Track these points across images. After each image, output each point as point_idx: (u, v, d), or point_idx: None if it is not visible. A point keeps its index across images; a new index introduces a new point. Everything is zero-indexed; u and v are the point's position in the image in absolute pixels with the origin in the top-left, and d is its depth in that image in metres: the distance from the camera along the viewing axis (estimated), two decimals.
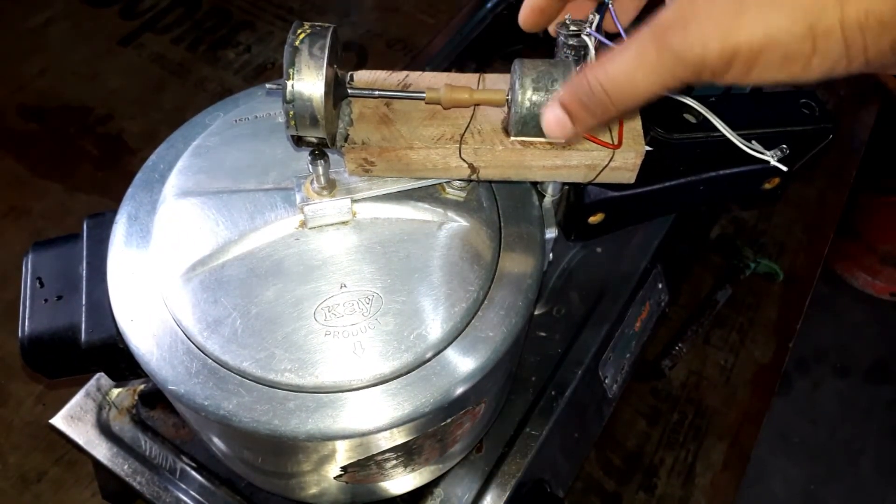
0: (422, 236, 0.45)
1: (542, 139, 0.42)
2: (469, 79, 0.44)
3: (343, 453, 0.43)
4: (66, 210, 0.96)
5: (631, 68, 0.33)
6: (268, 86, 0.41)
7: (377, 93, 0.42)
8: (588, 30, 0.41)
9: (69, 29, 1.17)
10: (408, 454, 0.46)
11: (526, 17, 0.43)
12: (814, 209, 0.96)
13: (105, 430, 0.61)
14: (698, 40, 0.31)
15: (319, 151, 0.42)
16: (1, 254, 0.91)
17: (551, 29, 0.45)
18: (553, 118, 0.37)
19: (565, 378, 0.62)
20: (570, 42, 0.41)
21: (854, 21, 0.29)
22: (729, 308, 0.87)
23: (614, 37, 0.44)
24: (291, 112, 0.38)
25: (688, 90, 0.43)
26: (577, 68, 0.40)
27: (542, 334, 0.65)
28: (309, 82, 0.37)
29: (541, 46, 0.47)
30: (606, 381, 0.70)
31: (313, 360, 0.40)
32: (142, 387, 0.63)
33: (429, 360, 0.41)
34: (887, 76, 1.02)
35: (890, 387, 1.08)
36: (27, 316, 0.46)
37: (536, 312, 0.65)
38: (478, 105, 0.43)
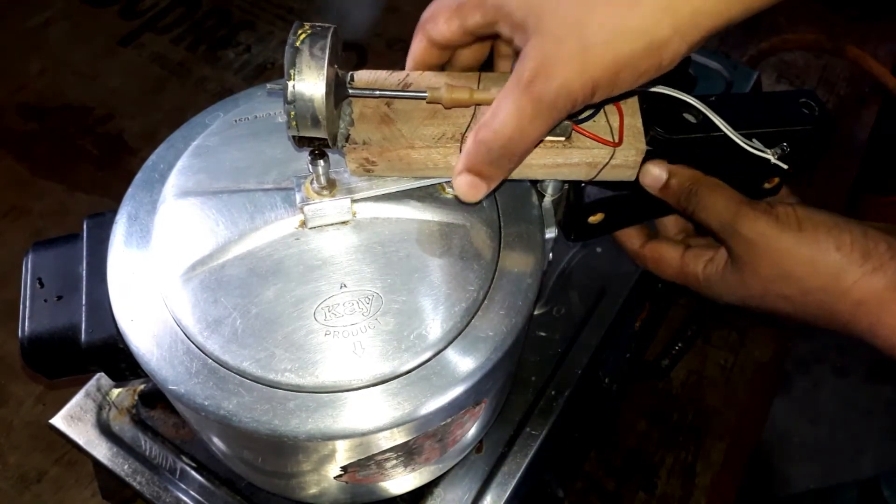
0: (422, 236, 0.45)
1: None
2: (469, 78, 0.44)
3: (343, 453, 0.43)
4: (66, 210, 0.96)
5: (516, 123, 0.37)
6: (269, 86, 0.41)
7: (378, 93, 0.42)
8: None
9: (69, 29, 1.17)
10: (408, 454, 0.46)
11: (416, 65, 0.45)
12: None
13: (105, 430, 0.61)
14: (562, 85, 0.35)
15: (319, 151, 0.42)
16: (1, 254, 0.91)
17: None
18: (466, 185, 0.41)
19: (565, 378, 0.62)
20: None
21: (686, 24, 0.34)
22: (729, 308, 0.87)
23: None
24: (292, 112, 0.38)
25: (688, 89, 0.43)
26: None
27: (542, 334, 0.65)
28: (310, 83, 0.37)
29: None
30: (606, 381, 0.70)
31: (313, 359, 0.40)
32: (142, 387, 0.63)
33: (429, 359, 0.41)
34: (886, 76, 1.02)
35: (890, 387, 1.08)
36: (27, 316, 0.46)
37: (536, 312, 0.65)
38: (478, 104, 0.43)
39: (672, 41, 0.34)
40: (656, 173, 0.44)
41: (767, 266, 0.41)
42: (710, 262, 0.46)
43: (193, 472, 0.59)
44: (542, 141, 0.40)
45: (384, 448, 0.43)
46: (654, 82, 0.43)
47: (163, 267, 0.43)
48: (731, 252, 0.43)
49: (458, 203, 0.46)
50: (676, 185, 0.44)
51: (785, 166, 0.43)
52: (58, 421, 0.61)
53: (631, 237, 0.51)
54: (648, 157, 0.43)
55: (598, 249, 0.70)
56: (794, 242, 0.40)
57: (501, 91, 0.37)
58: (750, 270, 0.42)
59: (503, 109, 0.37)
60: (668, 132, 0.44)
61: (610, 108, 0.43)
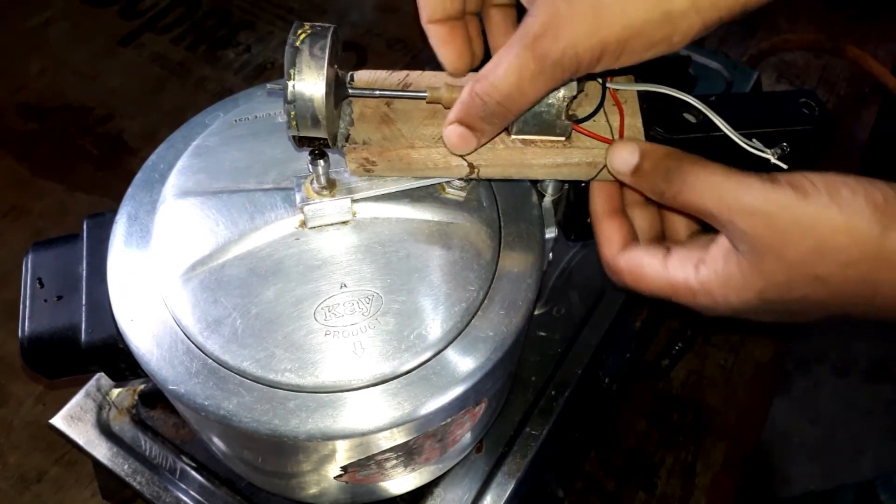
0: (422, 236, 0.45)
1: (542, 137, 0.42)
2: (469, 78, 0.44)
3: (343, 453, 0.43)
4: (66, 210, 0.96)
5: (516, 79, 0.35)
6: (269, 86, 0.41)
7: (378, 92, 0.42)
8: None
9: (69, 29, 1.17)
10: (408, 454, 0.46)
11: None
12: None
13: (105, 430, 0.61)
14: (570, 45, 0.33)
15: (319, 151, 0.42)
16: (1, 254, 0.91)
17: None
18: (455, 136, 0.39)
19: (565, 378, 0.62)
20: None
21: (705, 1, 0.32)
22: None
23: None
24: (293, 112, 0.38)
25: (688, 89, 0.43)
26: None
27: (542, 334, 0.65)
28: (310, 83, 0.37)
29: None
30: (606, 381, 0.70)
31: (313, 359, 0.40)
32: (142, 387, 0.63)
33: (429, 359, 0.41)
34: (886, 76, 1.02)
35: (890, 386, 1.08)
36: (27, 316, 0.46)
37: (536, 312, 0.65)
38: None
39: (688, 14, 0.33)
40: (625, 155, 0.38)
41: (794, 243, 0.33)
42: (703, 265, 0.37)
43: (193, 472, 0.59)
44: (538, 101, 0.38)
45: (384, 448, 0.43)
46: (655, 81, 0.43)
47: (163, 267, 0.43)
48: (736, 239, 0.35)
49: (458, 203, 0.46)
50: (651, 167, 0.37)
51: (785, 166, 0.43)
52: (58, 421, 0.61)
53: (609, 240, 0.41)
54: None
55: None
56: (821, 207, 0.32)
57: (505, 45, 0.35)
58: (770, 254, 0.34)
59: (504, 63, 0.35)
60: (668, 132, 0.44)
61: (610, 107, 0.43)
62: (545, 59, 0.34)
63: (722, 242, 0.36)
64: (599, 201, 0.43)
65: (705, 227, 0.39)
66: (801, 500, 0.88)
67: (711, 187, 0.35)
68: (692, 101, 0.43)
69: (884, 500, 0.69)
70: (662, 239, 0.43)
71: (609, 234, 0.41)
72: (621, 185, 0.42)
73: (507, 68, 0.35)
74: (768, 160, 0.43)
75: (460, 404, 0.42)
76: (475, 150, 0.40)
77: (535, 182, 0.49)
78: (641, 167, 0.38)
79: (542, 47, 0.33)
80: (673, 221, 0.44)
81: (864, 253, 0.32)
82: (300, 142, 0.41)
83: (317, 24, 0.39)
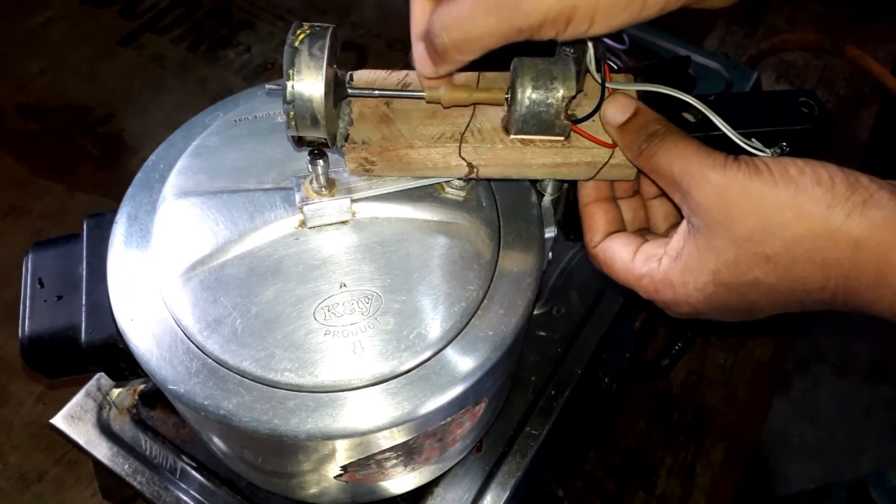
0: (421, 236, 0.45)
1: (542, 137, 0.42)
2: (468, 77, 0.44)
3: (343, 452, 0.43)
4: (66, 210, 0.96)
5: (468, 10, 0.33)
6: (268, 86, 0.41)
7: (377, 92, 0.42)
8: None
9: (69, 29, 1.17)
10: (408, 453, 0.46)
11: None
12: None
13: (105, 429, 0.61)
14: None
15: (319, 151, 0.42)
16: (1, 254, 0.91)
17: None
18: (418, 54, 0.37)
19: (565, 378, 0.62)
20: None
21: None
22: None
23: (615, 36, 0.44)
24: (292, 113, 0.38)
25: (688, 89, 0.43)
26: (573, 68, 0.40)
27: (542, 334, 0.65)
28: (309, 83, 0.37)
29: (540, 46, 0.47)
30: (606, 381, 0.70)
31: (313, 359, 0.40)
32: (142, 387, 0.63)
33: (428, 359, 0.41)
34: (886, 76, 1.02)
35: (889, 386, 1.08)
36: (27, 316, 0.46)
37: (536, 312, 0.66)
38: (477, 104, 0.43)
39: None
40: (620, 108, 0.39)
41: (742, 218, 0.34)
42: (666, 255, 0.38)
43: (193, 472, 0.59)
44: (487, 50, 0.36)
45: (384, 447, 0.43)
46: (654, 81, 0.43)
47: (163, 267, 0.43)
48: (692, 213, 0.36)
49: (458, 203, 0.46)
50: (639, 123, 0.38)
51: None
52: (58, 421, 0.61)
53: (592, 227, 0.42)
54: None
55: None
56: (769, 185, 0.33)
57: None
58: (719, 230, 0.35)
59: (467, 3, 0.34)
60: None
61: None
62: (506, 4, 0.33)
63: (682, 227, 0.37)
64: (587, 190, 0.43)
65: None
66: (795, 499, 0.88)
67: (682, 154, 0.36)
68: (691, 101, 0.43)
69: (875, 498, 0.69)
70: (644, 230, 0.44)
71: (592, 222, 0.42)
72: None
73: (468, 6, 0.34)
74: None
75: (460, 404, 0.42)
76: (436, 78, 0.39)
77: (534, 182, 0.49)
78: (630, 122, 0.39)
79: None
80: (655, 214, 0.44)
81: (810, 230, 0.33)
82: (299, 142, 0.41)
83: (316, 24, 0.39)
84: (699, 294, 0.37)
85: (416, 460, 0.48)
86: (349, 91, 0.42)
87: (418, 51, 0.37)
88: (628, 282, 0.40)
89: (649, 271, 0.38)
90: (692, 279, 0.36)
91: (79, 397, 0.63)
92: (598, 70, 0.42)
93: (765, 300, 0.36)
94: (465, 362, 0.41)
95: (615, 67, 0.47)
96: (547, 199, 0.49)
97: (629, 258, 0.40)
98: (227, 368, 0.40)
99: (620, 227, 0.43)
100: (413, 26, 0.39)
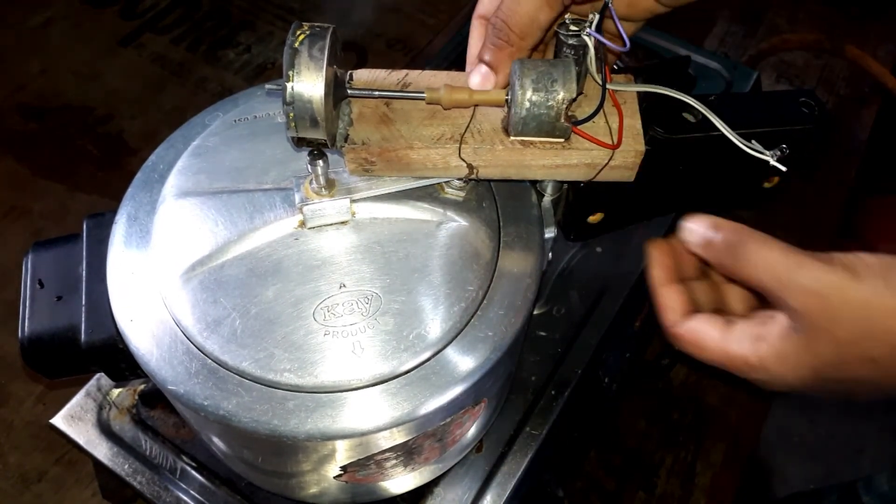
0: (421, 236, 0.45)
1: (542, 139, 0.42)
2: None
3: (343, 453, 0.43)
4: (66, 210, 0.96)
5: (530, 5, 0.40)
6: (267, 87, 0.41)
7: (377, 93, 0.42)
8: (588, 29, 0.41)
9: (69, 29, 1.17)
10: (407, 454, 0.46)
11: None
12: (814, 209, 0.96)
13: (105, 429, 0.61)
14: None
15: (318, 151, 0.42)
16: (1, 254, 0.91)
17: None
18: (479, 76, 0.42)
19: (565, 378, 0.62)
20: (570, 41, 0.41)
21: None
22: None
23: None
24: (291, 114, 0.38)
25: (688, 89, 0.43)
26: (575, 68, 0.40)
27: (542, 334, 0.65)
28: (308, 84, 0.37)
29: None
30: (606, 381, 0.70)
31: (312, 359, 0.40)
32: (142, 387, 0.63)
33: (428, 359, 0.41)
34: (886, 76, 1.02)
35: None
36: (27, 316, 0.46)
37: (536, 312, 0.66)
38: (477, 105, 0.43)
39: None
40: (699, 230, 0.39)
41: (845, 324, 0.34)
42: (761, 341, 0.38)
43: (193, 472, 0.59)
44: (545, 27, 0.42)
45: (384, 448, 0.43)
46: (654, 82, 0.43)
47: (162, 267, 0.43)
48: (791, 316, 0.36)
49: (458, 203, 0.46)
50: (721, 241, 0.38)
51: (783, 168, 0.43)
52: (58, 421, 0.61)
53: (671, 308, 0.42)
54: (647, 156, 0.43)
55: (598, 249, 0.70)
56: (873, 291, 0.33)
57: None
58: (822, 334, 0.35)
59: None
60: (667, 131, 0.44)
61: (609, 109, 0.43)
62: None
63: (780, 320, 0.37)
64: (658, 271, 0.43)
65: (763, 302, 0.40)
66: (787, 502, 0.88)
67: (770, 264, 0.36)
68: (691, 102, 0.43)
69: (865, 502, 0.69)
70: (720, 311, 0.43)
71: (670, 302, 0.42)
72: (676, 257, 0.43)
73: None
74: (767, 161, 0.43)
75: (460, 404, 0.42)
76: (494, 86, 0.43)
77: (534, 182, 0.49)
78: (713, 241, 0.39)
79: None
80: (730, 295, 0.44)
81: None
82: (299, 142, 0.41)
83: (316, 24, 0.39)
84: (797, 382, 0.37)
85: (415, 460, 0.48)
86: (349, 91, 0.42)
87: (478, 73, 0.42)
88: (719, 359, 0.40)
89: (743, 352, 0.38)
90: (791, 372, 0.37)
91: (79, 397, 0.63)
92: (599, 71, 0.42)
93: (865, 391, 0.36)
94: (464, 363, 0.41)
95: (615, 68, 0.47)
96: (547, 199, 0.49)
97: (720, 337, 0.39)
98: (227, 369, 0.40)
99: (697, 307, 0.42)
100: (470, 49, 0.45)
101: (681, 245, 0.41)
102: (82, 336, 0.45)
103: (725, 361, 0.39)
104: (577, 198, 0.47)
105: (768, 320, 0.37)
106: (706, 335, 0.40)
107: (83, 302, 0.46)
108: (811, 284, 0.34)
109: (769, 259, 0.36)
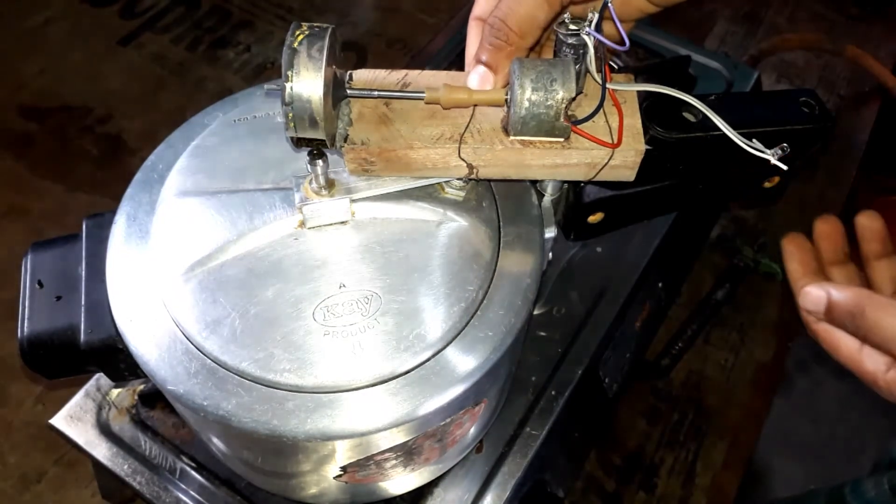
0: (421, 236, 0.44)
1: (541, 138, 0.42)
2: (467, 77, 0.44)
3: (342, 453, 0.43)
4: (66, 210, 0.96)
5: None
6: (267, 86, 0.41)
7: (376, 93, 0.42)
8: (587, 29, 0.41)
9: (69, 29, 1.17)
10: (407, 454, 0.46)
11: None
12: (814, 209, 0.96)
13: (105, 430, 0.61)
14: None
15: (318, 151, 0.42)
16: (1, 254, 0.91)
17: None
18: (478, 76, 0.42)
19: (565, 378, 0.62)
20: (570, 41, 0.41)
21: None
22: (729, 307, 0.87)
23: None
24: (290, 114, 0.38)
25: (688, 89, 0.43)
26: (575, 67, 0.40)
27: (542, 334, 0.65)
28: (307, 84, 0.37)
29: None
30: (606, 381, 0.70)
31: (312, 360, 0.40)
32: (141, 387, 0.63)
33: (428, 359, 0.41)
34: (887, 76, 1.02)
35: None
36: (26, 316, 0.46)
37: (536, 312, 0.65)
38: (477, 105, 0.43)
39: None
40: (818, 296, 0.41)
41: None
42: (893, 369, 0.40)
43: (193, 472, 0.59)
44: (543, 26, 0.42)
45: (383, 448, 0.43)
46: (654, 81, 0.43)
47: (162, 267, 0.43)
48: None
49: (457, 203, 0.46)
50: (842, 307, 0.40)
51: (784, 167, 0.43)
52: (58, 421, 0.61)
53: (814, 303, 0.42)
54: (648, 156, 0.43)
55: (598, 249, 0.70)
56: None
57: None
58: None
59: None
60: (667, 131, 0.43)
61: (609, 108, 0.43)
62: None
63: None
64: (794, 265, 0.44)
65: None
66: None
67: (892, 325, 0.38)
68: (692, 101, 0.43)
69: None
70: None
71: (813, 298, 0.42)
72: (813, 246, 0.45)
73: None
74: (768, 161, 0.43)
75: (460, 404, 0.42)
76: (493, 86, 0.42)
77: (534, 182, 0.49)
78: (833, 307, 0.40)
79: None
80: (879, 276, 0.45)
81: None
82: (299, 142, 0.41)
83: (315, 24, 0.38)
84: None
85: (415, 461, 0.48)
86: (348, 92, 0.42)
87: (477, 74, 0.42)
88: (848, 365, 0.42)
89: (875, 371, 0.40)
90: None
91: (78, 398, 0.62)
92: (599, 70, 0.42)
93: None
94: (464, 363, 0.41)
95: (615, 67, 0.47)
96: (547, 199, 0.49)
97: (856, 347, 0.41)
98: (227, 369, 0.40)
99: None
100: (468, 50, 0.45)
101: (820, 232, 0.43)
102: (82, 336, 0.45)
103: (855, 370, 0.42)
104: (578, 198, 0.47)
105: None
106: (842, 342, 0.42)
107: (82, 302, 0.46)
108: None
109: (892, 323, 0.37)
